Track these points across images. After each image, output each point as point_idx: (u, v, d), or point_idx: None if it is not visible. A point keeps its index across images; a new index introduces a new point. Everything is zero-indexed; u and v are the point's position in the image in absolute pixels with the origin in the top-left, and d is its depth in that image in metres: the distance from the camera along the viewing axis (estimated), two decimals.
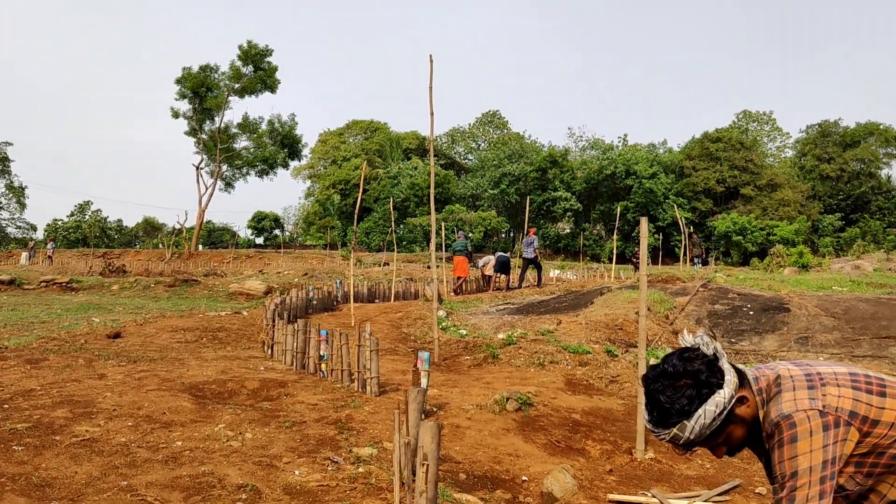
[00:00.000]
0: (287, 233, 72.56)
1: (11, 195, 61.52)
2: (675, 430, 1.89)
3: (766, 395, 1.93)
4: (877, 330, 10.05)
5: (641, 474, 5.73)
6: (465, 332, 11.23)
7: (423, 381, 6.08)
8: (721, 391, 1.87)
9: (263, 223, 67.05)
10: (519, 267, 22.16)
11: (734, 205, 52.62)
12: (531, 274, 22.16)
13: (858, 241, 44.17)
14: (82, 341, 10.03)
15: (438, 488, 3.91)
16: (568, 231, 55.65)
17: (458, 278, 20.55)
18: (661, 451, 6.22)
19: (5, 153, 60.69)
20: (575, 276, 28.44)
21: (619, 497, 5.25)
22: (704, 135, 55.34)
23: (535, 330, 10.40)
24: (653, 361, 6.48)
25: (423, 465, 3.39)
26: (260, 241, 67.47)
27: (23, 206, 62.33)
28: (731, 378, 1.90)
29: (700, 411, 1.86)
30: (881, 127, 56.01)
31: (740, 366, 2.03)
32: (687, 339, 2.01)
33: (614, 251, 27.70)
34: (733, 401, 1.89)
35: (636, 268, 22.71)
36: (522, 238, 31.49)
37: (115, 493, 4.30)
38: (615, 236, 29.65)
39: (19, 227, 63.59)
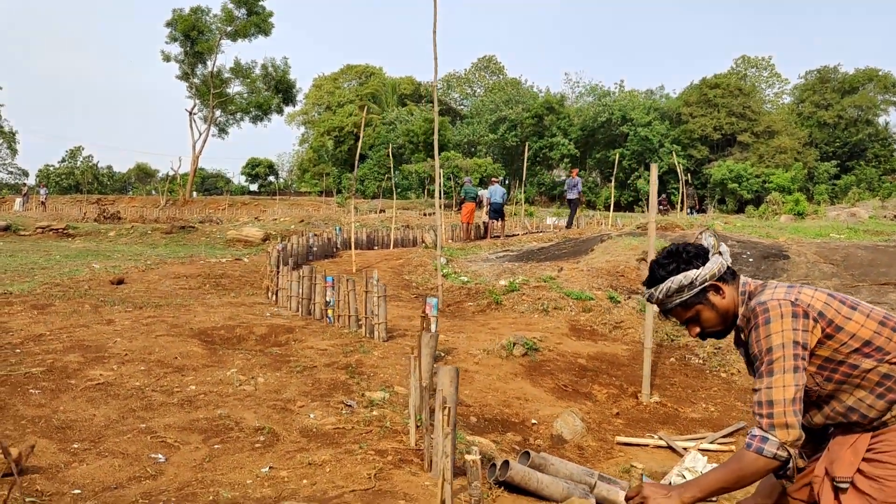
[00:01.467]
0: (282, 180, 72.07)
1: (2, 140, 60.75)
2: (651, 290, 2.31)
3: (746, 297, 2.24)
4: (875, 276, 10.15)
5: (648, 417, 5.85)
6: (466, 278, 11.28)
7: (433, 327, 6.14)
8: (695, 271, 2.22)
9: (257, 170, 66.51)
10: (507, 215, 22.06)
11: (731, 152, 52.40)
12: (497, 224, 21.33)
13: (854, 188, 44.19)
14: (86, 287, 10.04)
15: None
16: (564, 178, 55.51)
17: (468, 224, 20.51)
18: (667, 396, 6.34)
19: None
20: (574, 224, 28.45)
21: (627, 439, 5.37)
22: (703, 81, 54.74)
23: (536, 277, 10.46)
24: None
25: (445, 408, 3.44)
26: (254, 187, 67.05)
27: (14, 151, 61.63)
28: (711, 267, 2.23)
29: (671, 279, 2.24)
30: (880, 73, 55.46)
31: (744, 276, 2.33)
32: (705, 239, 2.37)
33: (612, 198, 27.68)
34: (706, 283, 2.22)
35: (665, 214, 22.61)
36: (507, 186, 31.53)
37: (135, 434, 4.37)
38: (612, 184, 29.57)
39: (11, 173, 63.04)
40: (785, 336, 2.03)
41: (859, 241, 13.92)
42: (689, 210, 30.60)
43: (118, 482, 3.66)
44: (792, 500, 2.39)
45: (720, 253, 2.30)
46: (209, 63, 50.82)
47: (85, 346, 6.33)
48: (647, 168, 44.54)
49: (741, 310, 2.24)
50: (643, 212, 39.62)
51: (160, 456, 4.04)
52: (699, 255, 2.26)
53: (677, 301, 2.26)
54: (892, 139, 56.59)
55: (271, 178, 68.82)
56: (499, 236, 20.04)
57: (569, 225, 21.79)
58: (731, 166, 46.69)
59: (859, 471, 2.15)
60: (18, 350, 6.10)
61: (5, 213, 33.06)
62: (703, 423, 5.77)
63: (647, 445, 5.29)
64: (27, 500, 3.32)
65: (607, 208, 36.71)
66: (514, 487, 3.84)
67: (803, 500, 2.37)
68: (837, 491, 2.19)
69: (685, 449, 5.11)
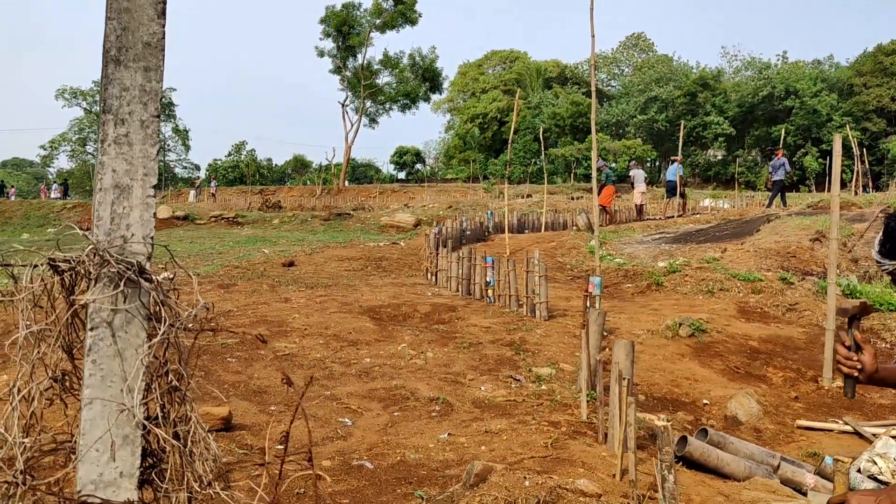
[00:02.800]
0: (428, 167, 73.62)
1: (177, 138, 66.23)
2: None
3: None
4: None
5: (830, 402, 5.53)
6: (621, 260, 11.08)
7: (598, 305, 6.12)
8: None
9: (405, 158, 68.30)
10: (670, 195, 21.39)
11: None
12: (674, 202, 21.20)
13: None
14: (262, 269, 10.84)
15: None
16: (720, 158, 52.71)
17: (604, 207, 20.16)
18: None
19: (170, 98, 65.22)
20: (731, 205, 27.07)
21: (809, 423, 5.11)
22: (878, 47, 50.02)
23: (697, 258, 10.10)
24: (837, 290, 6.12)
25: (623, 379, 3.45)
26: (402, 175, 68.91)
27: (187, 147, 67.06)
28: None
29: None
30: None
31: None
32: None
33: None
34: None
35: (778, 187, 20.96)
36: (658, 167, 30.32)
37: (322, 400, 4.70)
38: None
39: (185, 168, 68.60)
40: None
41: None
42: (863, 188, 28.16)
43: (314, 441, 3.97)
44: None
45: None
46: (360, 56, 52.73)
47: (268, 320, 6.85)
48: (815, 144, 41.16)
49: None
50: (809, 191, 36.97)
51: (347, 420, 4.33)
52: None
53: None
54: None
55: (418, 166, 70.46)
56: (674, 216, 19.58)
57: (769, 205, 20.71)
58: None
59: None
60: (212, 323, 6.71)
61: (182, 204, 36.10)
62: (893, 409, 5.37)
63: (831, 430, 5.00)
64: (238, 451, 3.68)
65: (768, 189, 34.57)
66: (691, 463, 3.79)
67: None
68: None
69: (874, 435, 4.79)
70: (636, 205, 20.35)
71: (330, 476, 3.37)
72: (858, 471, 4.53)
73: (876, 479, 4.37)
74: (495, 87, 60.86)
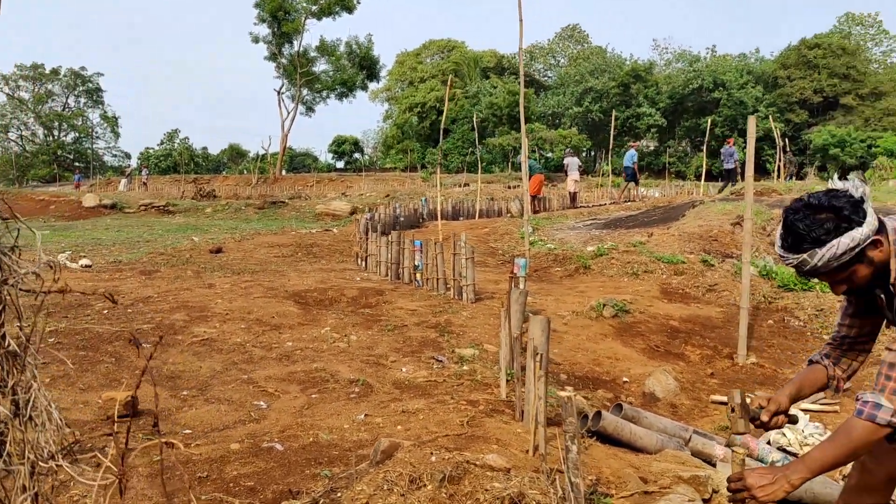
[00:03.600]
0: (367, 156, 73.08)
1: (106, 125, 64.06)
2: (804, 255, 1.95)
3: None
4: None
5: (744, 378, 5.69)
6: (552, 245, 11.19)
7: (522, 285, 6.14)
8: (860, 229, 1.91)
9: (343, 147, 67.63)
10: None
11: (832, 116, 49.58)
12: (632, 187, 21.98)
13: None
14: (188, 256, 10.54)
15: None
16: (652, 148, 53.90)
17: (533, 197, 20.41)
18: (764, 357, 6.14)
19: (97, 83, 62.96)
20: (661, 193, 27.72)
21: (722, 398, 5.24)
22: (802, 41, 51.84)
23: (625, 242, 10.28)
24: (753, 271, 6.28)
25: (537, 355, 3.45)
26: (340, 164, 68.23)
27: (117, 135, 64.96)
28: (871, 220, 1.93)
29: (834, 242, 1.91)
30: None
31: (881, 215, 2.04)
32: (836, 183, 2.02)
33: (704, 167, 26.71)
34: (868, 241, 1.92)
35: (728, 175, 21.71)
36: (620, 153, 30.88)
37: (238, 384, 4.58)
38: (703, 152, 28.52)
39: (115, 156, 66.42)
40: None
41: None
42: (787, 177, 29.20)
43: (225, 424, 3.86)
44: None
45: (865, 196, 1.98)
46: (296, 43, 51.86)
47: (189, 306, 6.66)
48: (741, 135, 42.67)
49: (893, 262, 1.97)
50: (731, 182, 38.11)
51: (262, 403, 4.23)
52: (856, 208, 1.93)
53: (834, 265, 1.95)
54: None
55: (357, 155, 69.88)
56: (628, 200, 20.12)
57: (720, 192, 21.32)
58: (834, 131, 44.22)
59: None
60: (130, 310, 6.48)
61: (111, 192, 34.91)
62: None
63: None
64: (142, 437, 3.55)
65: (698, 178, 35.52)
66: (606, 438, 3.83)
67: None
68: None
69: None
70: (569, 192, 20.62)
71: (237, 458, 3.28)
72: (768, 442, 4.67)
73: (784, 451, 4.52)
74: (433, 77, 60.73)
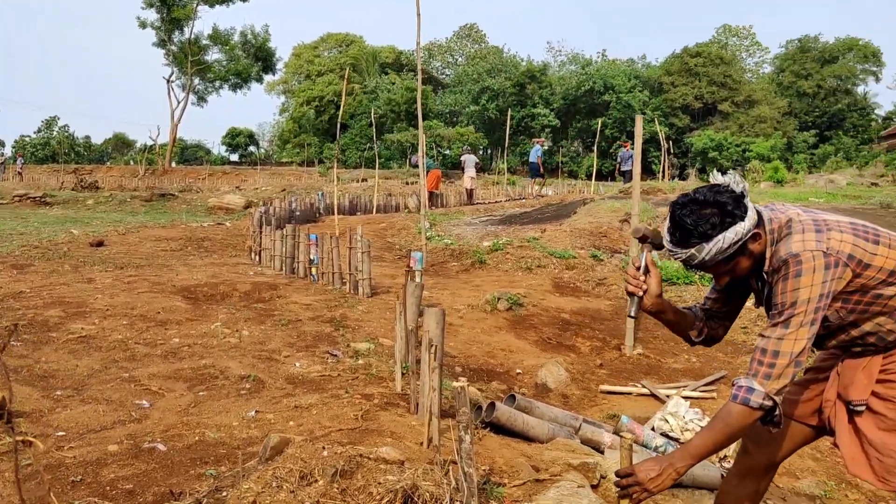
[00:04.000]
0: (262, 150, 71.33)
1: None
2: (692, 250, 2.05)
3: (776, 235, 2.09)
4: None
5: (631, 368, 5.91)
6: (449, 241, 11.27)
7: (418, 278, 6.14)
8: (742, 223, 2.01)
9: (237, 140, 65.73)
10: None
11: (711, 121, 52.47)
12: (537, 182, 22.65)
13: (832, 157, 44.51)
14: (65, 249, 9.93)
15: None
16: (546, 148, 55.35)
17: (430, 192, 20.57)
18: (650, 348, 6.40)
19: None
20: (554, 192, 28.49)
21: (611, 387, 5.43)
22: (684, 49, 54.56)
23: (519, 238, 10.48)
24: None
25: (432, 346, 3.45)
26: (234, 157, 66.29)
27: None
28: (752, 214, 2.05)
29: (720, 237, 2.01)
30: (860, 42, 55.57)
31: (758, 206, 2.16)
32: (718, 178, 2.12)
33: (594, 167, 27.67)
34: (749, 234, 2.04)
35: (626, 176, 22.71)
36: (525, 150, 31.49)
37: (119, 383, 4.34)
38: (595, 152, 29.53)
39: None
40: (813, 290, 1.95)
41: (838, 204, 14.08)
42: (671, 178, 30.68)
43: (102, 425, 3.65)
44: (796, 424, 2.41)
45: (745, 191, 2.09)
46: (186, 29, 49.88)
47: (66, 302, 6.26)
48: (630, 137, 44.44)
49: (769, 251, 2.09)
50: (624, 181, 39.68)
51: (145, 402, 4.03)
52: (739, 203, 2.03)
53: (719, 258, 2.05)
54: (871, 109, 56.91)
55: (252, 149, 68.10)
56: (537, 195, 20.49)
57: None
58: (712, 135, 46.78)
59: (874, 393, 2.16)
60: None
61: None
62: (686, 372, 5.84)
63: (630, 394, 5.35)
64: (9, 440, 3.30)
65: (589, 177, 36.73)
66: (500, 429, 3.87)
67: (812, 425, 2.38)
68: (852, 414, 2.21)
69: (668, 396, 5.18)
70: (466, 189, 20.84)
71: (115, 461, 3.09)
72: (652, 428, 4.87)
73: (667, 436, 4.72)
74: (331, 71, 59.97)
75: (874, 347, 2.16)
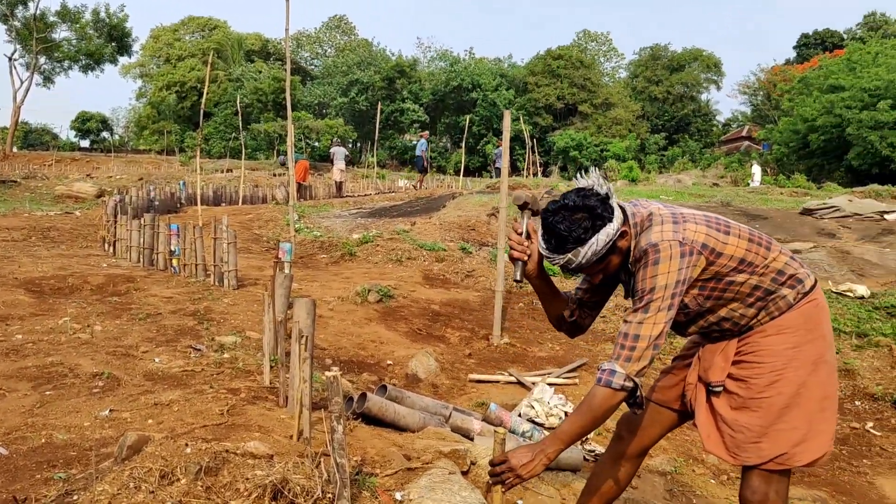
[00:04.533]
0: (117, 136, 67.22)
1: None
2: (569, 255, 2.13)
3: (639, 229, 2.20)
4: None
5: (498, 357, 6.06)
6: (318, 233, 11.10)
7: (287, 269, 5.99)
8: (611, 224, 2.12)
9: (89, 125, 61.54)
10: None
11: (572, 121, 54.70)
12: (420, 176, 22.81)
13: (679, 159, 47.71)
14: None
15: None
16: (415, 143, 55.64)
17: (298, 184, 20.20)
18: (516, 337, 6.59)
19: None
20: (424, 187, 28.71)
21: (479, 376, 5.53)
22: (547, 51, 56.51)
23: (390, 230, 10.48)
24: (507, 258, 6.73)
25: (302, 337, 3.37)
26: (85, 143, 62.02)
27: None
28: (618, 214, 2.16)
29: (593, 240, 2.10)
30: (704, 53, 59.83)
31: (622, 203, 2.28)
32: (583, 181, 2.21)
33: (462, 163, 28.12)
34: (618, 233, 2.14)
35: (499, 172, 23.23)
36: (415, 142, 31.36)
37: None
38: (462, 149, 30.00)
39: None
40: (670, 277, 2.06)
41: (685, 202, 15.08)
42: (534, 175, 31.68)
43: None
44: (660, 409, 2.54)
45: (609, 192, 2.17)
46: (31, 4, 46.00)
47: None
48: (496, 134, 45.28)
49: (632, 244, 2.20)
50: (491, 176, 40.65)
51: None
52: (605, 205, 2.12)
53: (595, 260, 2.14)
54: (713, 115, 61.49)
55: (105, 135, 64.02)
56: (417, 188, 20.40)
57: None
58: (573, 135, 48.79)
59: (729, 374, 2.31)
60: None
61: None
62: (550, 360, 6.05)
63: (497, 382, 5.48)
64: None
65: (457, 173, 37.31)
66: (371, 419, 3.85)
67: (677, 409, 2.52)
68: (710, 395, 2.36)
69: (533, 383, 5.34)
70: (335, 181, 20.59)
71: None
72: (519, 415, 5.01)
73: (534, 422, 4.87)
74: (193, 56, 57.36)
75: (730, 332, 2.31)
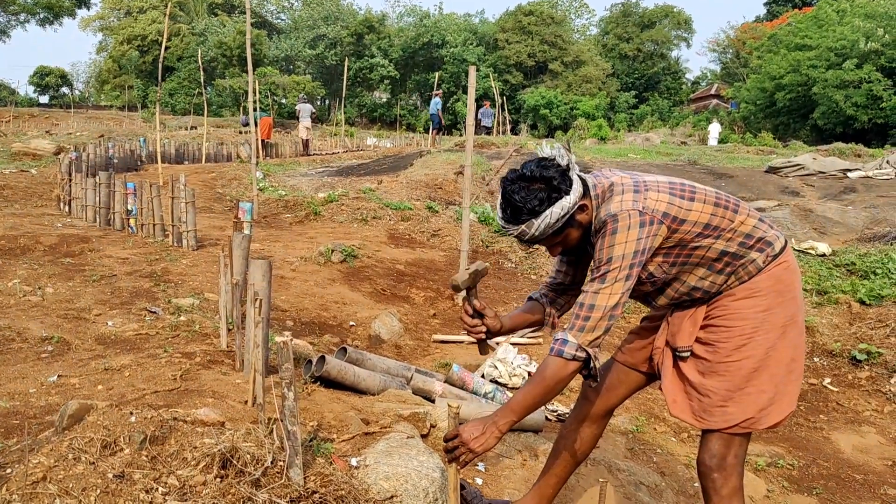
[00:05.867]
0: (77, 92, 65.27)
1: None
2: (523, 226, 2.09)
3: (600, 200, 2.16)
4: None
5: None
6: (283, 192, 10.89)
7: (247, 230, 5.84)
8: (568, 197, 2.07)
9: (48, 80, 59.59)
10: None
11: (542, 79, 54.35)
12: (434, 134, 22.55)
13: (648, 117, 47.81)
14: None
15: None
16: (384, 100, 54.85)
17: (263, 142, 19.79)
18: (482, 296, 6.47)
19: None
20: (392, 144, 28.40)
21: (443, 337, 5.49)
22: (518, 7, 55.82)
23: (356, 189, 10.32)
24: (473, 217, 6.64)
25: (257, 299, 3.27)
26: (45, 99, 60.18)
27: None
28: (577, 187, 2.10)
29: (548, 212, 2.06)
30: (675, 10, 59.58)
31: (584, 175, 2.21)
32: (545, 151, 2.13)
33: (431, 121, 27.80)
34: (576, 207, 2.10)
35: (486, 131, 22.88)
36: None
37: None
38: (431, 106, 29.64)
39: None
40: (627, 247, 2.02)
41: (653, 161, 15.10)
42: (503, 133, 31.50)
43: None
44: (630, 371, 2.53)
45: (570, 164, 2.13)
46: None
47: None
48: (465, 91, 44.94)
49: (594, 214, 2.16)
50: (461, 134, 40.33)
51: None
52: (564, 177, 2.08)
53: (549, 232, 2.10)
54: (682, 73, 61.52)
55: (65, 90, 62.10)
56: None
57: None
58: (543, 93, 48.53)
59: (697, 339, 2.28)
60: None
61: None
62: None
63: (462, 342, 5.44)
64: None
65: (427, 131, 36.97)
66: (330, 383, 3.78)
67: (644, 372, 2.51)
68: (677, 359, 2.33)
69: (497, 343, 5.31)
70: (302, 139, 20.23)
71: None
72: (482, 376, 4.99)
73: (497, 382, 4.85)
74: (155, 8, 55.58)
75: (700, 301, 2.27)
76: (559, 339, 2.07)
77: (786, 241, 2.27)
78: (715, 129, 27.52)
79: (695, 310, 2.28)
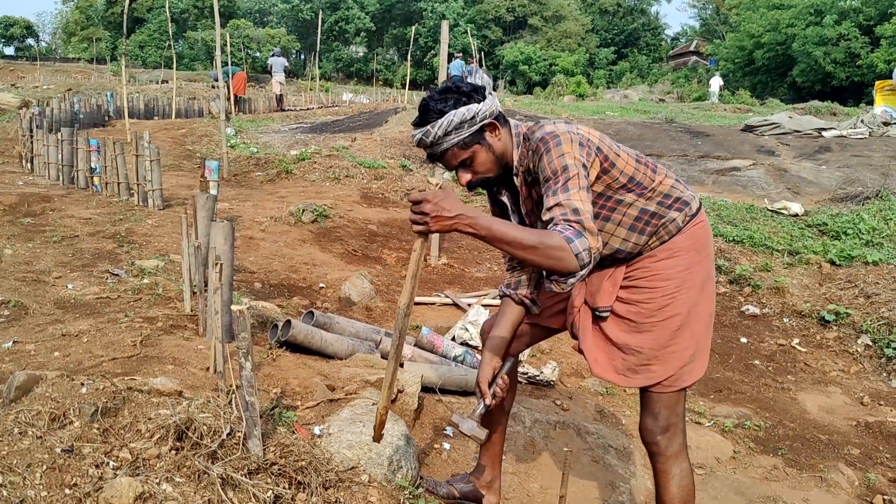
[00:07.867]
0: (44, 43, 63.41)
1: None
2: (427, 126, 2.05)
3: (522, 138, 2.15)
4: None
5: (436, 278, 5.96)
6: (255, 149, 10.67)
7: (213, 190, 5.70)
8: (476, 105, 2.04)
9: (12, 31, 57.82)
10: None
11: (522, 35, 53.71)
12: None
13: (627, 74, 47.53)
14: None
15: (233, 297, 3.74)
16: (361, 55, 53.94)
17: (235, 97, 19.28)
18: (454, 258, 6.48)
19: None
20: (368, 100, 27.95)
21: (415, 298, 5.42)
22: None
23: (329, 147, 10.14)
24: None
25: (217, 264, 3.17)
26: (10, 51, 58.47)
27: None
28: (491, 103, 2.08)
29: (452, 112, 2.02)
30: None
31: (508, 118, 2.21)
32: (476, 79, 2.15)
33: (408, 77, 27.36)
34: (485, 118, 2.06)
35: None
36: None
37: None
38: (408, 61, 29.18)
39: None
40: (576, 159, 1.96)
41: (630, 119, 15.01)
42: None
43: None
44: (534, 326, 2.51)
45: (492, 94, 2.14)
46: None
47: None
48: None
49: (516, 153, 2.12)
50: None
51: None
52: (477, 91, 2.07)
53: (454, 140, 2.02)
54: (662, 29, 61.07)
55: (31, 42, 60.30)
56: None
57: None
58: (522, 49, 47.99)
59: (618, 298, 2.25)
60: None
61: None
62: (487, 281, 5.98)
63: (433, 304, 5.39)
64: None
65: (404, 86, 36.48)
66: (297, 347, 3.71)
67: (553, 328, 2.51)
68: (597, 319, 2.30)
69: (469, 304, 5.27)
70: (275, 94, 19.83)
71: None
72: (453, 338, 4.95)
73: (467, 345, 4.81)
74: None
75: (621, 262, 2.25)
76: (571, 230, 1.83)
77: (700, 202, 2.29)
78: (716, 82, 27.26)
79: (614, 269, 2.25)
